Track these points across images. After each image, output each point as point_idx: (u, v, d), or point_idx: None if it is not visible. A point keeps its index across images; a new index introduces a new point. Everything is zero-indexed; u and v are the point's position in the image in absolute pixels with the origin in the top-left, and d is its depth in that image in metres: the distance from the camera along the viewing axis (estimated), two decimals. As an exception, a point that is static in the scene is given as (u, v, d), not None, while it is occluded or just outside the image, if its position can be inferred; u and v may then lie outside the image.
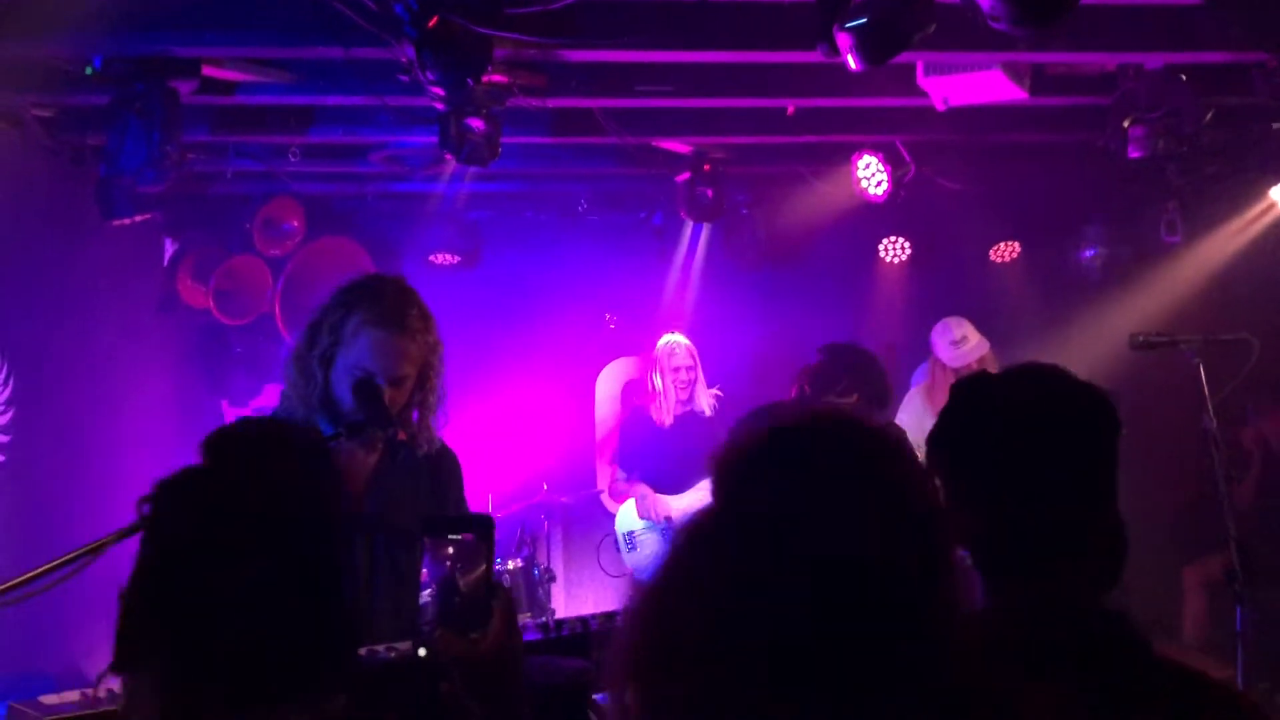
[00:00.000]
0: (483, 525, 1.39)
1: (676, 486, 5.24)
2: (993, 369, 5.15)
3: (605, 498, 5.79)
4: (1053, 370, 1.49)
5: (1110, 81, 4.50)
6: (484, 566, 1.36)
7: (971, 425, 1.48)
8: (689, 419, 5.37)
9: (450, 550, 1.36)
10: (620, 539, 5.36)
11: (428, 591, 1.36)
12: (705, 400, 5.40)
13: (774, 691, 0.94)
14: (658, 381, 5.38)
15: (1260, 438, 5.62)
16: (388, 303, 2.44)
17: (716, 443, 1.10)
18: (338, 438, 2.36)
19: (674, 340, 5.43)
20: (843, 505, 0.97)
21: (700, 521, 1.02)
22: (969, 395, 1.53)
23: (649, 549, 5.24)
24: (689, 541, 1.02)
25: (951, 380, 6.08)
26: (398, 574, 2.35)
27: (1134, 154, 4.45)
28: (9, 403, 4.32)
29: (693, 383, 5.38)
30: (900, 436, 1.08)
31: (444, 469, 2.60)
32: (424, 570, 1.37)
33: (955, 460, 1.47)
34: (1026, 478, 1.41)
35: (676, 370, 5.35)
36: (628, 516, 5.34)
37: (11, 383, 4.33)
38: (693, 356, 5.40)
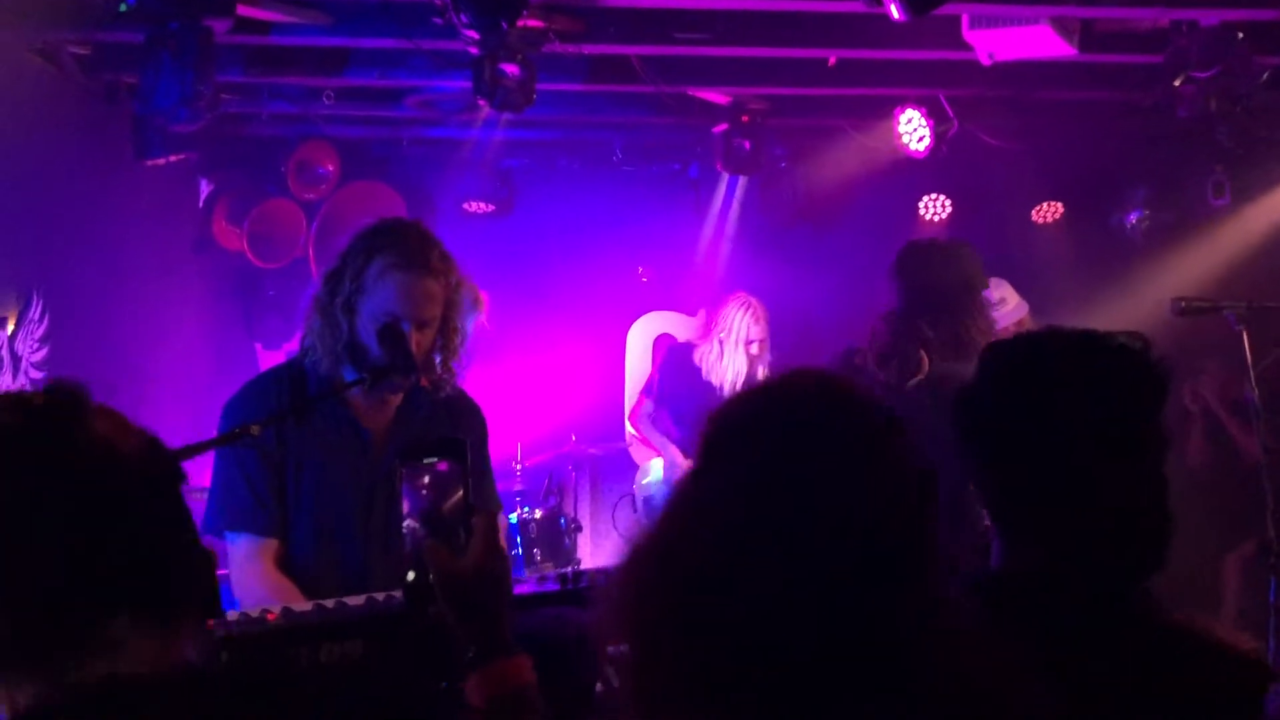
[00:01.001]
0: (456, 449, 1.42)
1: None
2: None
3: (630, 433, 5.43)
4: (1088, 333, 1.45)
5: (1162, 38, 4.36)
6: (461, 490, 1.39)
7: (996, 385, 1.45)
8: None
9: (427, 477, 1.40)
10: (638, 500, 5.16)
11: (408, 521, 1.39)
12: (763, 371, 5.10)
13: (752, 659, 0.95)
14: (732, 349, 5.04)
15: (1199, 397, 5.52)
16: (410, 245, 2.41)
17: None
18: (361, 384, 2.35)
19: (754, 304, 5.10)
20: (817, 472, 0.98)
21: (684, 487, 1.04)
22: (997, 355, 1.50)
23: None
24: (675, 506, 1.04)
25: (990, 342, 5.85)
26: None
27: (1183, 113, 4.34)
28: (43, 340, 4.35)
29: (761, 356, 5.10)
30: (869, 398, 1.06)
31: (463, 414, 2.59)
32: (404, 499, 1.39)
33: (978, 420, 1.45)
34: (1047, 441, 1.38)
35: (750, 342, 5.05)
36: (651, 479, 5.16)
37: (46, 320, 4.36)
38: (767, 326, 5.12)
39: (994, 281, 5.23)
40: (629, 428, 5.47)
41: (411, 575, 1.39)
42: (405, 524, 1.39)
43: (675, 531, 1.02)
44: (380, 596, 1.84)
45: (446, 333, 2.47)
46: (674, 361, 5.23)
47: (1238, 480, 5.01)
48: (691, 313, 5.58)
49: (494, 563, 1.36)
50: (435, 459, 1.40)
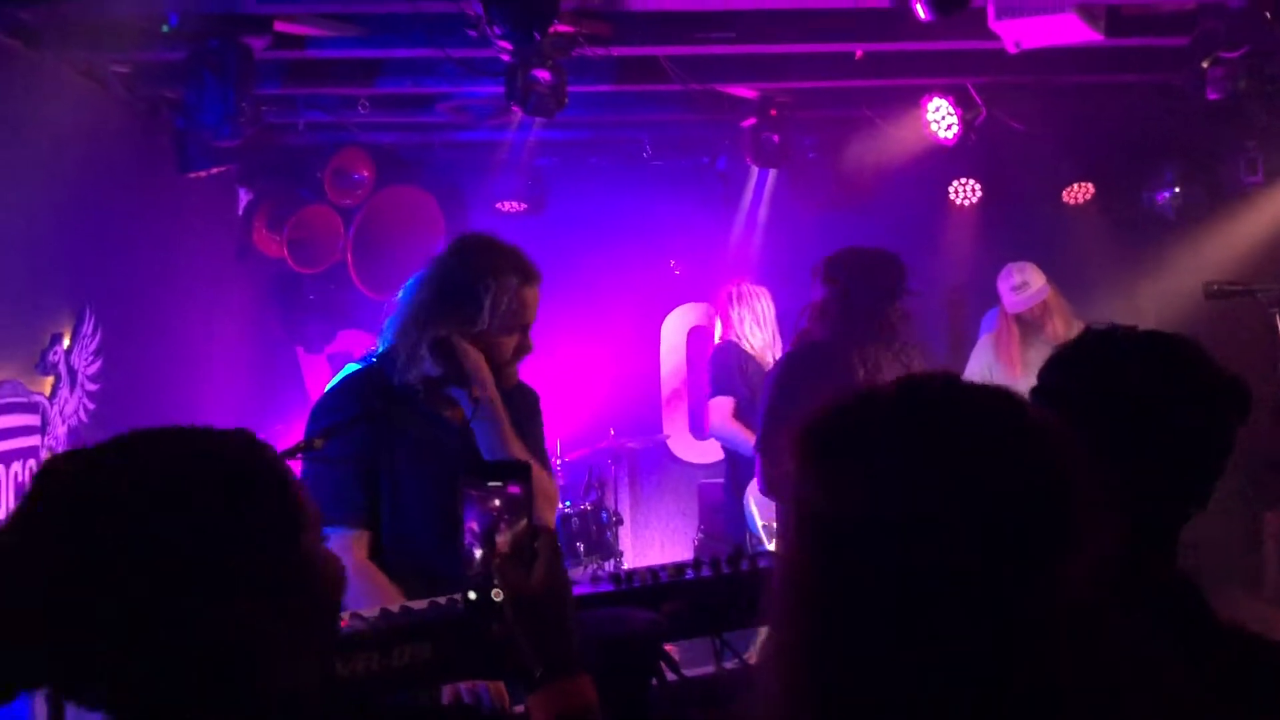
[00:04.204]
0: (521, 471, 1.45)
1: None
2: (1057, 314, 5.08)
3: (720, 427, 5.01)
4: (1191, 348, 1.45)
5: (1189, 21, 4.37)
6: (525, 512, 1.43)
7: (1089, 381, 1.44)
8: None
9: (491, 499, 1.43)
10: (760, 532, 4.74)
11: (471, 540, 1.43)
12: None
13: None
14: (757, 331, 5.08)
15: None
16: (523, 260, 2.57)
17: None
18: (418, 394, 2.43)
19: (760, 289, 5.19)
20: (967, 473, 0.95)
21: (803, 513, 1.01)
22: (1097, 348, 1.48)
23: None
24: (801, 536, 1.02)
25: (1014, 327, 5.91)
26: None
27: (1212, 95, 4.34)
28: (96, 353, 4.48)
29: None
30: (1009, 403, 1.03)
31: (530, 402, 2.74)
32: (468, 519, 1.43)
33: (1062, 409, 1.45)
34: (1135, 445, 1.38)
35: (772, 321, 5.12)
36: (764, 507, 4.77)
37: (99, 333, 4.48)
38: None
39: (1016, 266, 5.25)
40: (718, 429, 5.01)
41: (473, 595, 1.43)
42: (467, 545, 1.43)
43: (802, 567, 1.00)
44: (443, 600, 1.92)
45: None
46: (735, 356, 5.08)
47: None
48: (722, 305, 5.57)
49: (561, 582, 1.41)
50: (500, 482, 1.44)
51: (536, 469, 2.53)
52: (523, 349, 2.60)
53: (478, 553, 1.43)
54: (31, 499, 1.10)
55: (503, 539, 1.42)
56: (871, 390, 1.03)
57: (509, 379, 2.60)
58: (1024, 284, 5.10)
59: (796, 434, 1.03)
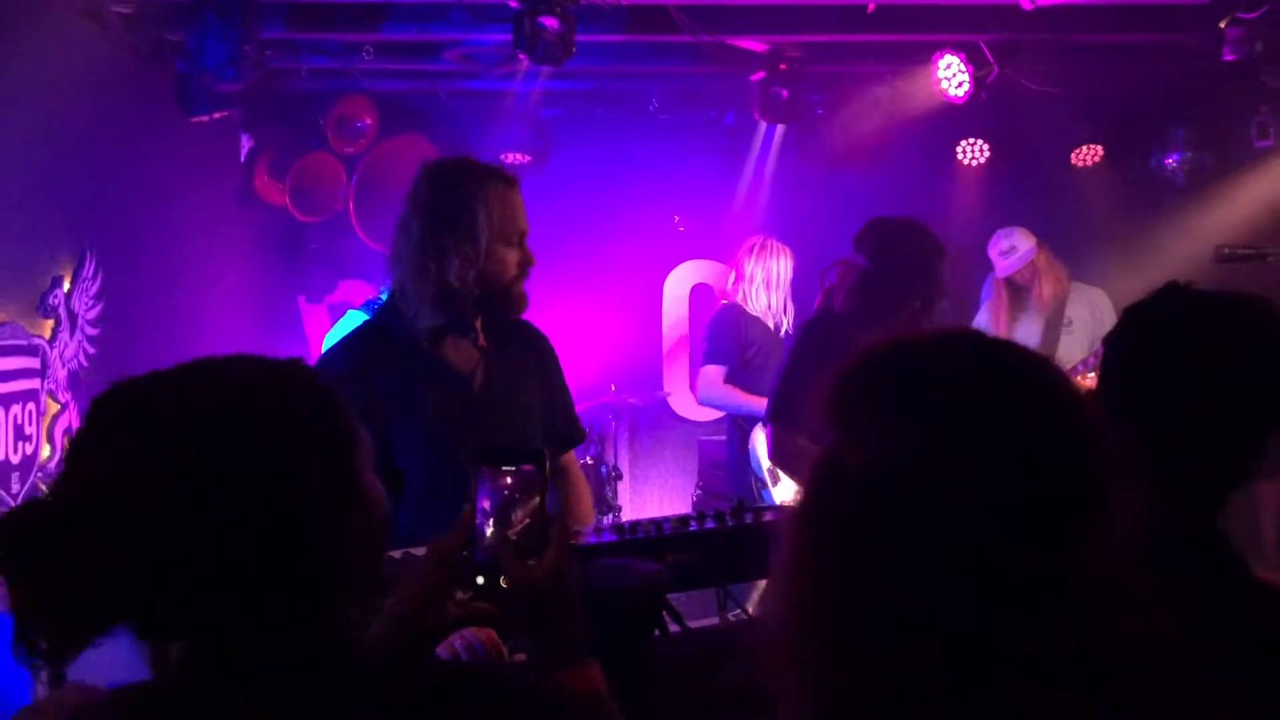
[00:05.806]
0: (538, 457, 1.43)
1: None
2: (1046, 277, 5.04)
3: (709, 396, 5.03)
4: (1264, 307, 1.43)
5: (1208, -21, 4.31)
6: (539, 497, 1.40)
7: (1158, 341, 1.43)
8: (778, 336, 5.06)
9: (507, 480, 1.41)
10: (765, 475, 4.73)
11: (482, 519, 1.41)
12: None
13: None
14: (780, 292, 5.08)
15: None
16: (497, 169, 2.51)
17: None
18: (421, 343, 2.40)
19: (781, 245, 5.15)
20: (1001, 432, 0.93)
21: (828, 462, 1.00)
22: (1175, 305, 1.46)
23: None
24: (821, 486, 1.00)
25: (1004, 293, 5.88)
26: None
27: (1229, 56, 4.29)
28: (98, 297, 4.45)
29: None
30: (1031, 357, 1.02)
31: (541, 344, 2.70)
32: (480, 498, 1.40)
33: (1126, 368, 1.44)
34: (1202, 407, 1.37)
35: (789, 282, 5.10)
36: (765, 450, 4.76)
37: (99, 278, 4.45)
38: None
39: (1004, 231, 5.22)
40: (707, 398, 5.05)
41: (480, 580, 1.40)
42: (479, 529, 1.40)
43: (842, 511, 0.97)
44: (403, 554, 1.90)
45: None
46: (734, 322, 5.05)
47: None
48: (728, 261, 5.54)
49: (569, 569, 1.37)
50: (515, 466, 1.41)
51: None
52: (525, 262, 2.54)
53: (488, 530, 1.40)
54: (93, 418, 1.11)
55: (516, 516, 1.40)
56: (904, 341, 1.01)
57: (518, 301, 2.54)
58: (1011, 248, 5.10)
59: (828, 388, 1.02)
